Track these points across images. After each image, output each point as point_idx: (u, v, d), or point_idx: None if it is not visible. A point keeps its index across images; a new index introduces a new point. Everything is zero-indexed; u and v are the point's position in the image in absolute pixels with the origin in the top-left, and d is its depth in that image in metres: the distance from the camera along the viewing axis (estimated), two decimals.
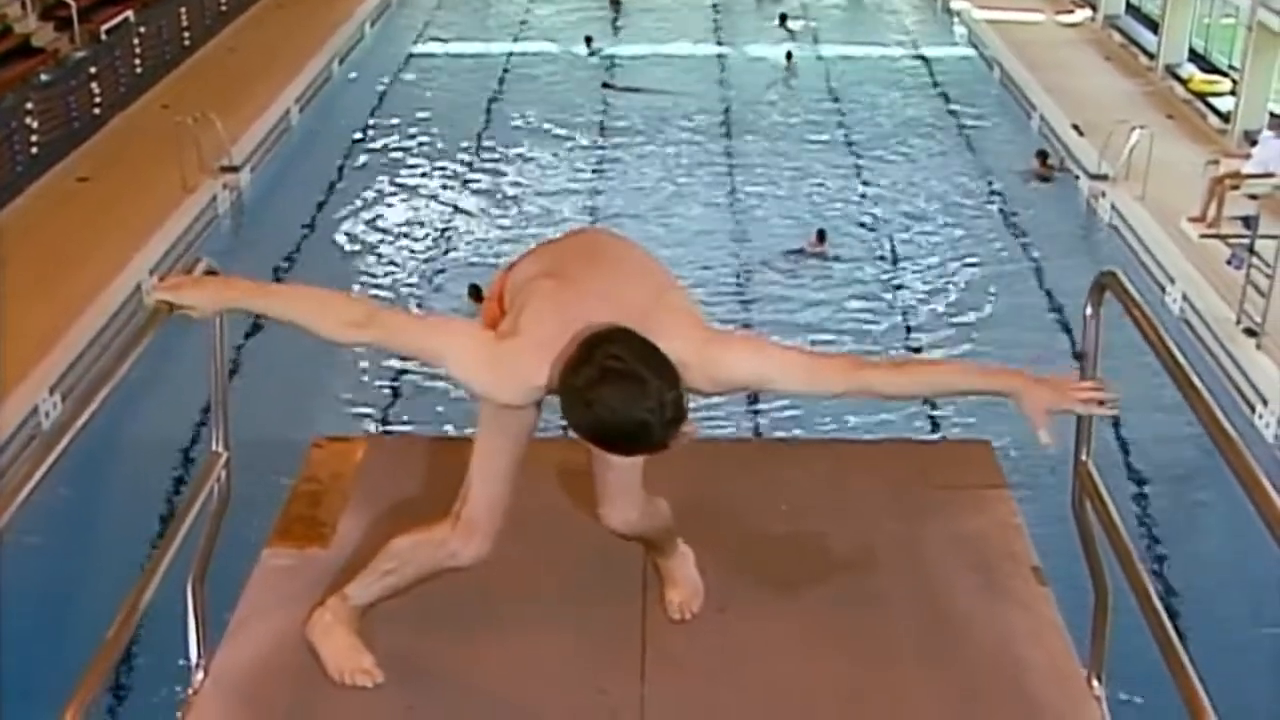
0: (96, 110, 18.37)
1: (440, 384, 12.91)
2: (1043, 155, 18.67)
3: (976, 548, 4.23)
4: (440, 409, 12.39)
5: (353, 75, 22.93)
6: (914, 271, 15.68)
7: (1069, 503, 3.71)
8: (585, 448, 3.15)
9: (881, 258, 16.06)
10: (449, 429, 11.92)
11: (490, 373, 3.09)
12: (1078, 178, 18.16)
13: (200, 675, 3.74)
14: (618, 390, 2.85)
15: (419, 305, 14.46)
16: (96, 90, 18.42)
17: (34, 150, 16.57)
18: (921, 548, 4.23)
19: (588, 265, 3.24)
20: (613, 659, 3.79)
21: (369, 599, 3.65)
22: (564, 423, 2.97)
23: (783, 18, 26.09)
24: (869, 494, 4.51)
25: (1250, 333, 12.86)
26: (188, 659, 3.74)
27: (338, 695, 3.71)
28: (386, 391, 12.87)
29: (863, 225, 17.03)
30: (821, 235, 16.06)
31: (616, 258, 3.34)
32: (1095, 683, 3.70)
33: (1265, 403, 12.04)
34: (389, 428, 12.21)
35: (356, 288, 15.00)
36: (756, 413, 12.41)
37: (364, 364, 13.29)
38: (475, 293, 14.31)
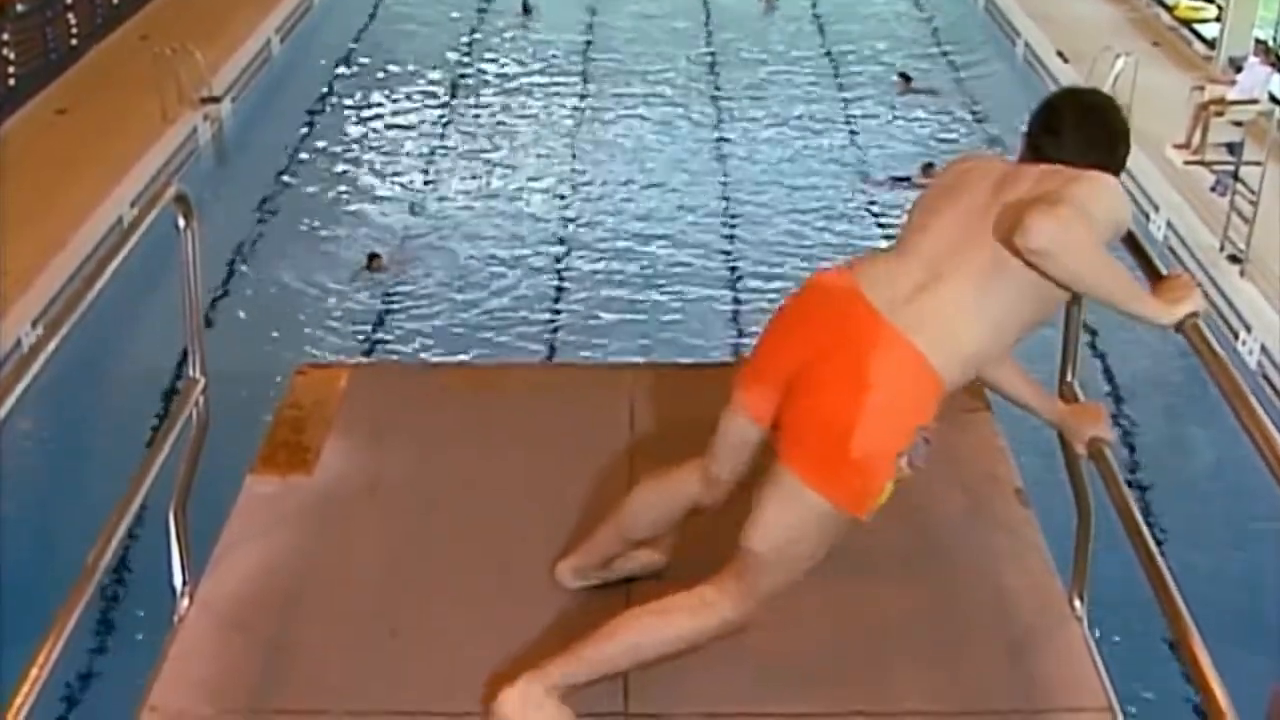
0: (74, 41, 18.15)
1: (424, 310, 12.94)
2: (904, 76, 19.24)
3: (960, 470, 4.23)
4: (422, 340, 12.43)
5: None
6: (896, 197, 15.62)
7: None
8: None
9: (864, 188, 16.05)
10: (431, 357, 11.95)
11: None
12: (936, 92, 18.77)
13: (185, 603, 3.74)
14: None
15: (405, 241, 14.41)
16: (73, 21, 18.19)
17: (11, 82, 16.40)
18: None
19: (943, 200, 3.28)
20: (599, 586, 3.79)
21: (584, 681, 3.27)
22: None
23: None
24: None
25: (1234, 259, 12.86)
26: (172, 587, 3.75)
27: (324, 621, 3.72)
28: (370, 320, 12.85)
29: (847, 160, 16.98)
30: (929, 168, 15.88)
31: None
32: (1077, 603, 3.73)
33: (1249, 329, 12.06)
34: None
35: (340, 217, 14.98)
36: (739, 334, 12.47)
37: (348, 292, 13.29)
38: (372, 260, 13.79)
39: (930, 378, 3.06)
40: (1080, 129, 3.26)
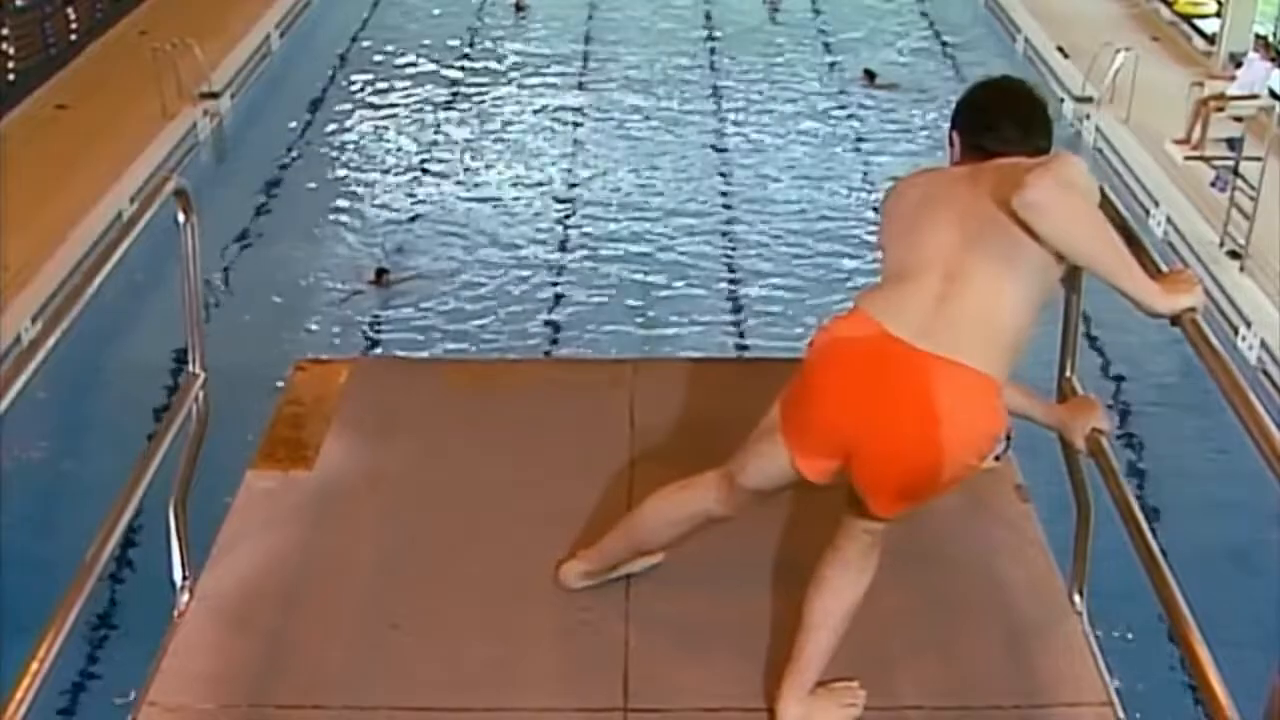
0: (74, 36, 18.13)
1: (424, 304, 12.93)
2: (869, 74, 19.27)
3: None
4: (422, 334, 12.42)
5: None
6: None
7: None
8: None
9: (869, 183, 16.03)
10: (431, 352, 11.93)
11: None
12: (898, 86, 18.70)
13: (185, 597, 3.75)
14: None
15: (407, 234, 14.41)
16: (73, 16, 18.17)
17: (10, 77, 16.39)
18: None
19: (927, 204, 3.26)
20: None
21: None
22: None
23: None
24: None
25: (1234, 255, 12.85)
26: (172, 582, 3.75)
27: (323, 617, 3.73)
28: (371, 315, 12.84)
29: (847, 149, 16.99)
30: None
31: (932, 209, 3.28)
32: (1077, 598, 3.73)
33: (1248, 325, 12.06)
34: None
35: (340, 214, 14.96)
36: (741, 334, 12.46)
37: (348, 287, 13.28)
38: (380, 275, 13.35)
39: (985, 384, 3.06)
40: (1015, 118, 3.31)
